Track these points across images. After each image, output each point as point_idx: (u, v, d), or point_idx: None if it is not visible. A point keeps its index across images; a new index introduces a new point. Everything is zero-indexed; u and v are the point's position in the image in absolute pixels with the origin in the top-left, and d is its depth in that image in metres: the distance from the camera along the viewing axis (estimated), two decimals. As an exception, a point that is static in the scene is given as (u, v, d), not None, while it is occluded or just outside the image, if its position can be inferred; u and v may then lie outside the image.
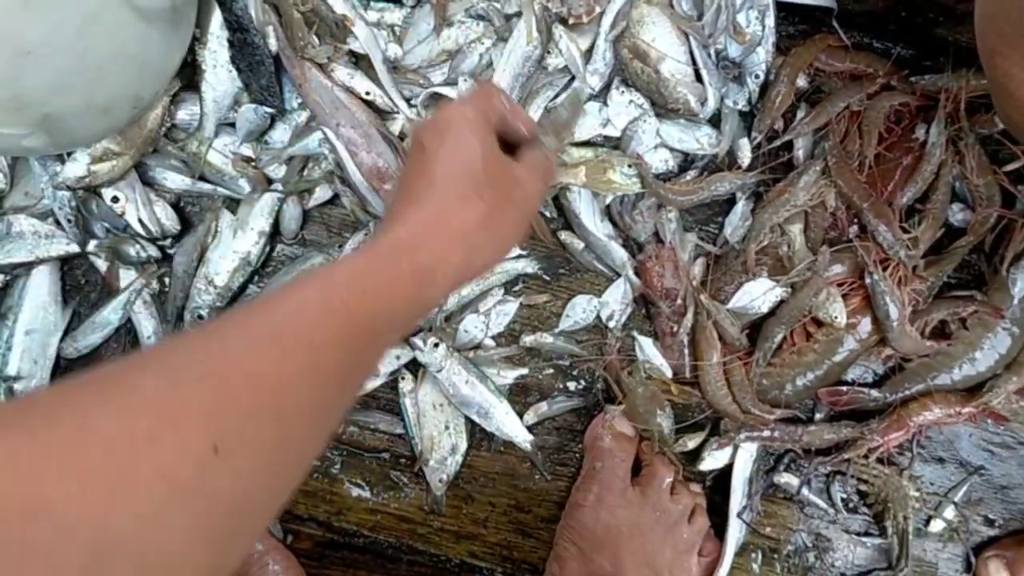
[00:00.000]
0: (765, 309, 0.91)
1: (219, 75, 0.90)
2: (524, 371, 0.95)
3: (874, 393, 0.91)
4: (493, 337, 0.96)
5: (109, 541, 0.38)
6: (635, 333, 0.95)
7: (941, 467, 0.95)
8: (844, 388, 0.92)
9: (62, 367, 0.96)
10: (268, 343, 0.49)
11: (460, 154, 0.63)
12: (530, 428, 0.95)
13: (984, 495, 0.94)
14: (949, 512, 0.93)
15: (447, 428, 0.94)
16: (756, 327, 0.92)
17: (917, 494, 0.92)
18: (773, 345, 0.91)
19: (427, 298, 0.61)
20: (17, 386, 0.93)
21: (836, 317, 0.89)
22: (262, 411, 0.46)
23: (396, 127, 0.93)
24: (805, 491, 0.93)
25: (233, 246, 0.93)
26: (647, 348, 0.94)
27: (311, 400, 0.50)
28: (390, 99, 0.91)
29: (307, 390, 0.49)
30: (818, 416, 0.94)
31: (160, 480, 0.41)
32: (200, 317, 0.93)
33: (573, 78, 0.92)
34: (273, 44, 0.89)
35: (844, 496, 0.94)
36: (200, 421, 0.43)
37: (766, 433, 0.92)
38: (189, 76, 0.91)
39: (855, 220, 0.92)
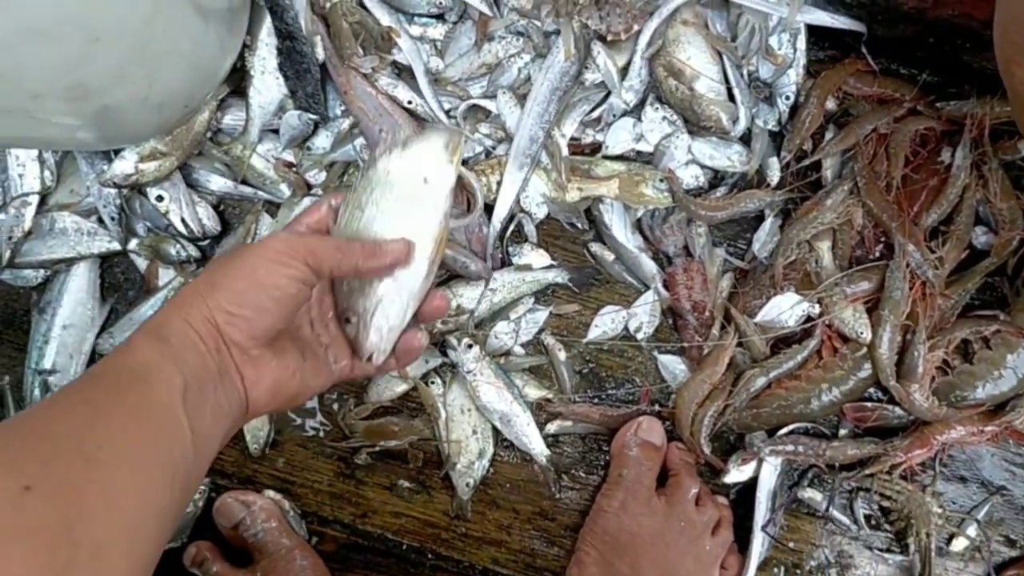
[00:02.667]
0: (792, 323, 0.92)
1: (266, 81, 0.93)
2: (548, 394, 0.96)
3: (899, 410, 0.92)
4: (522, 345, 0.97)
5: None
6: (656, 353, 0.96)
7: (964, 486, 0.95)
8: (869, 404, 0.93)
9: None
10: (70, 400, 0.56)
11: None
12: (557, 436, 0.96)
13: (1006, 515, 0.95)
14: (971, 530, 0.94)
15: (475, 433, 0.95)
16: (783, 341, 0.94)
17: (940, 511, 0.93)
18: (751, 393, 0.93)
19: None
20: (52, 379, 0.95)
21: (862, 333, 0.90)
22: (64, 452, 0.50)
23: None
24: (833, 511, 0.94)
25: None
26: (671, 367, 0.96)
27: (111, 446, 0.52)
28: (431, 108, 0.94)
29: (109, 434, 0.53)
30: (842, 432, 0.95)
31: None
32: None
33: (609, 93, 0.94)
34: (320, 53, 0.92)
35: (867, 512, 0.95)
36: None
37: (790, 447, 0.93)
38: (237, 82, 0.94)
39: (882, 239, 0.94)
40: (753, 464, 0.94)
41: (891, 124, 0.94)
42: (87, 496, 0.48)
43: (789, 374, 0.93)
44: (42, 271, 0.97)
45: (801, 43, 0.94)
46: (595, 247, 0.97)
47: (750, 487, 0.94)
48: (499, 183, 0.93)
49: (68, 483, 0.48)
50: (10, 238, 0.95)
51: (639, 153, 0.96)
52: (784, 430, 0.94)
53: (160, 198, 0.93)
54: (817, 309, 0.92)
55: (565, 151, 0.94)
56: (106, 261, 0.99)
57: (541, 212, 0.96)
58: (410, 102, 0.94)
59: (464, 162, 0.95)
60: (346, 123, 0.95)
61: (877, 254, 0.94)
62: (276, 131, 0.96)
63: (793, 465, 0.95)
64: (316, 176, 0.96)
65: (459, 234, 0.94)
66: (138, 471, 0.53)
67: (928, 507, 0.92)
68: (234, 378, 0.62)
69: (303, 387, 0.68)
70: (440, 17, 0.97)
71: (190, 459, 0.57)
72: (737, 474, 0.94)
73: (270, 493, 0.96)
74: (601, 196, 0.94)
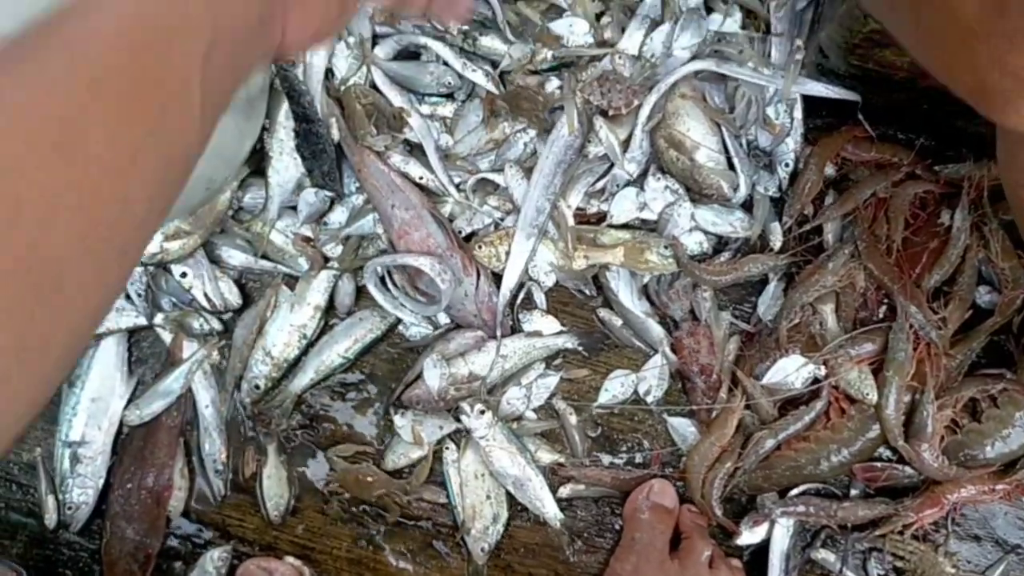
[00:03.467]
0: (799, 385, 0.94)
1: (284, 161, 0.97)
2: (560, 458, 0.98)
3: (909, 470, 0.93)
4: (534, 410, 0.99)
5: None
6: (666, 416, 0.98)
7: (977, 545, 0.95)
8: (879, 464, 0.94)
9: (124, 433, 1.01)
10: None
11: None
12: (570, 499, 0.98)
13: (1021, 574, 0.94)
14: (987, 591, 0.94)
15: (489, 498, 0.97)
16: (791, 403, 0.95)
17: (953, 572, 0.93)
18: (760, 455, 0.94)
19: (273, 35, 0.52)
20: (81, 451, 0.98)
21: (868, 394, 0.91)
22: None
23: (446, 210, 1.00)
24: (847, 571, 0.94)
25: (290, 320, 0.99)
26: (680, 430, 0.98)
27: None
28: (441, 183, 0.98)
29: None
30: (853, 492, 0.96)
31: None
32: (257, 387, 0.98)
33: (612, 164, 0.98)
34: (335, 133, 0.96)
35: (881, 572, 0.95)
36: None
37: (801, 508, 0.94)
38: (257, 162, 0.99)
39: (884, 300, 0.95)
40: (765, 526, 0.95)
41: (890, 188, 0.97)
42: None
43: (798, 435, 0.94)
44: (72, 345, 1.01)
45: (798, 112, 0.97)
46: (603, 313, 1.00)
47: (763, 549, 0.95)
48: (507, 253, 0.97)
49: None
50: (42, 315, 0.99)
51: (644, 221, 0.99)
52: (795, 491, 0.95)
53: (184, 275, 0.97)
54: (823, 371, 0.93)
55: (571, 221, 0.97)
56: (133, 335, 1.02)
57: (550, 280, 0.99)
58: (421, 177, 0.98)
59: (472, 235, 0.99)
60: (360, 199, 0.99)
61: (880, 316, 0.96)
62: (295, 208, 1.00)
63: (805, 526, 0.96)
64: (332, 249, 1.00)
65: (470, 303, 0.97)
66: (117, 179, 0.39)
67: (941, 567, 0.92)
68: (275, 26, 0.51)
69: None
70: (449, 96, 1.02)
71: (193, 143, 0.46)
72: (749, 536, 0.95)
73: (291, 560, 0.98)
74: (607, 264, 0.97)
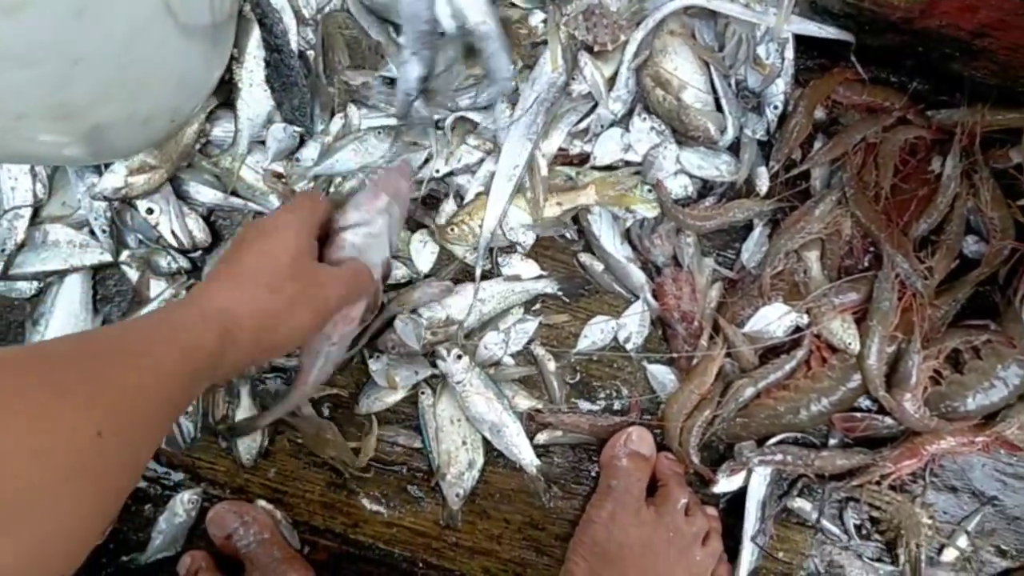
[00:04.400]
0: (781, 333, 0.92)
1: (254, 94, 0.93)
2: (538, 404, 0.96)
3: (888, 420, 0.92)
4: (512, 355, 0.97)
5: (10, 508, 0.46)
6: (646, 363, 0.96)
7: (954, 496, 0.95)
8: (859, 415, 0.93)
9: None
10: (131, 363, 0.59)
11: (273, 250, 0.74)
12: (547, 446, 0.97)
13: (997, 526, 0.94)
14: (962, 541, 0.94)
15: (464, 443, 0.96)
16: (772, 351, 0.94)
17: (930, 522, 0.93)
18: (739, 403, 0.93)
19: (228, 359, 0.68)
20: (46, 391, 0.95)
21: (850, 344, 0.90)
22: (133, 409, 0.56)
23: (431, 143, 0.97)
24: (823, 521, 0.94)
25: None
26: (660, 377, 0.96)
27: (155, 406, 0.59)
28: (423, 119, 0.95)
29: (156, 396, 0.59)
30: (832, 441, 0.95)
31: (62, 451, 0.49)
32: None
33: (596, 104, 0.94)
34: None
35: (857, 522, 0.95)
36: (83, 406, 0.52)
37: (779, 457, 0.93)
38: (225, 94, 0.94)
39: (870, 248, 0.93)
40: (742, 474, 0.94)
41: (880, 133, 0.94)
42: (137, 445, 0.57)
43: (778, 384, 0.93)
44: (35, 283, 0.98)
45: (789, 52, 0.94)
46: (584, 257, 0.97)
47: (740, 497, 0.95)
48: (482, 221, 0.94)
49: (128, 430, 0.55)
50: (3, 250, 0.96)
51: (628, 163, 0.96)
52: (773, 440, 0.94)
53: (150, 211, 0.94)
54: (806, 319, 0.92)
55: (544, 171, 0.94)
56: (98, 273, 0.99)
57: (529, 239, 0.96)
58: (401, 115, 0.95)
59: (450, 173, 0.96)
60: (331, 137, 0.95)
61: (866, 264, 0.94)
62: (264, 143, 0.96)
63: (783, 475, 0.95)
64: (304, 188, 0.97)
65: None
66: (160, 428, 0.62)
67: (918, 518, 0.92)
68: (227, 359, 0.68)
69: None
70: (429, 28, 0.97)
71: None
72: (726, 484, 0.94)
73: (262, 503, 0.97)
74: (583, 205, 0.94)
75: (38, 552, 0.47)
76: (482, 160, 0.97)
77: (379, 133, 0.94)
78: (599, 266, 0.97)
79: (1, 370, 0.51)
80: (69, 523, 0.49)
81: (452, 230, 0.94)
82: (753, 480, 0.94)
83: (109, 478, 0.53)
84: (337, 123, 0.96)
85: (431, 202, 0.98)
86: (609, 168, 0.96)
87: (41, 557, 0.48)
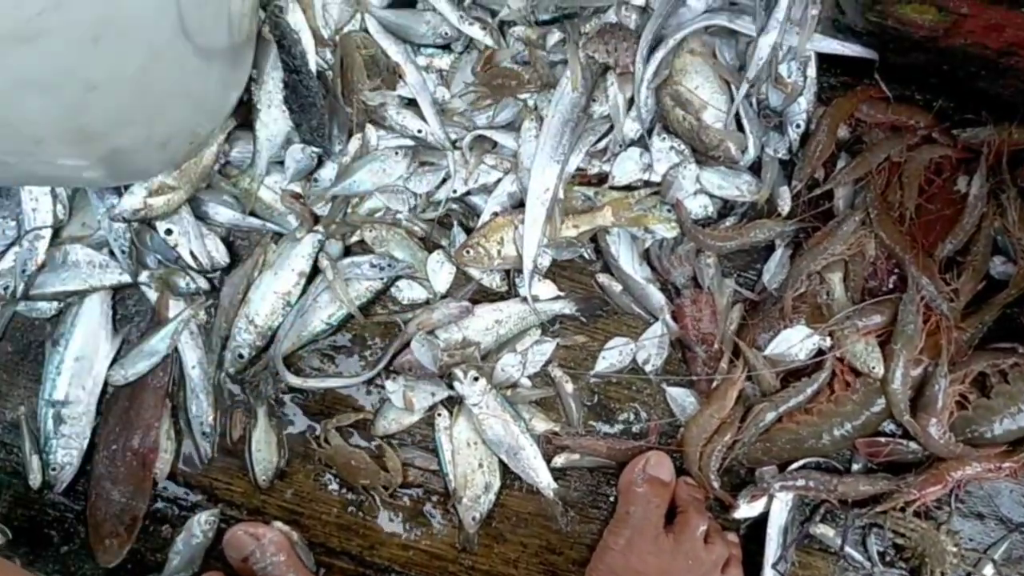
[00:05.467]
0: (803, 356, 0.91)
1: (273, 114, 0.93)
2: (555, 427, 0.95)
3: (913, 445, 0.90)
4: (529, 377, 0.97)
5: None
6: (665, 386, 0.95)
7: (980, 523, 0.93)
8: (883, 439, 0.91)
9: (109, 393, 0.98)
10: None
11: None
12: (564, 469, 0.95)
13: (1025, 553, 0.92)
14: (988, 570, 0.92)
15: (481, 466, 0.95)
16: (793, 374, 0.92)
17: (955, 550, 0.91)
18: (760, 427, 0.91)
19: None
20: (65, 410, 0.96)
21: (874, 367, 0.88)
22: None
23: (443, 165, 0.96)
24: (848, 548, 0.92)
25: (273, 287, 0.96)
26: (679, 400, 0.95)
27: None
28: (438, 138, 0.94)
29: None
30: (855, 467, 0.93)
31: None
32: (240, 356, 0.96)
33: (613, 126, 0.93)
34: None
35: (881, 549, 0.93)
36: None
37: (801, 482, 0.91)
38: (244, 115, 0.94)
39: (895, 270, 0.92)
40: (763, 500, 0.93)
41: (905, 152, 0.93)
42: None
43: (800, 408, 0.92)
44: (56, 303, 0.98)
45: (812, 70, 0.93)
46: (602, 278, 0.96)
47: (761, 523, 0.93)
48: (499, 250, 0.93)
49: None
50: (24, 271, 0.96)
51: (647, 183, 0.95)
52: (795, 465, 0.93)
53: (169, 231, 0.94)
54: (828, 342, 0.90)
55: (561, 193, 0.93)
56: (118, 293, 1.00)
57: (547, 261, 0.95)
58: (420, 131, 0.94)
59: (467, 193, 0.95)
60: (348, 157, 0.95)
61: (890, 286, 0.92)
62: (283, 163, 0.96)
63: (804, 501, 0.93)
64: (323, 208, 0.97)
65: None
66: None
67: (943, 545, 0.90)
68: None
69: None
70: (446, 47, 0.97)
71: None
72: (747, 510, 0.93)
73: (279, 524, 0.97)
74: (600, 226, 0.93)
75: None
76: (499, 180, 0.96)
77: (396, 153, 0.94)
78: (617, 287, 0.96)
79: None
80: None
81: (468, 252, 0.93)
82: (774, 506, 0.92)
83: None
84: (355, 143, 0.96)
85: (448, 223, 0.97)
86: (628, 188, 0.95)
87: None
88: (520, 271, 0.95)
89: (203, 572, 0.96)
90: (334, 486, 0.97)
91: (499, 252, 0.94)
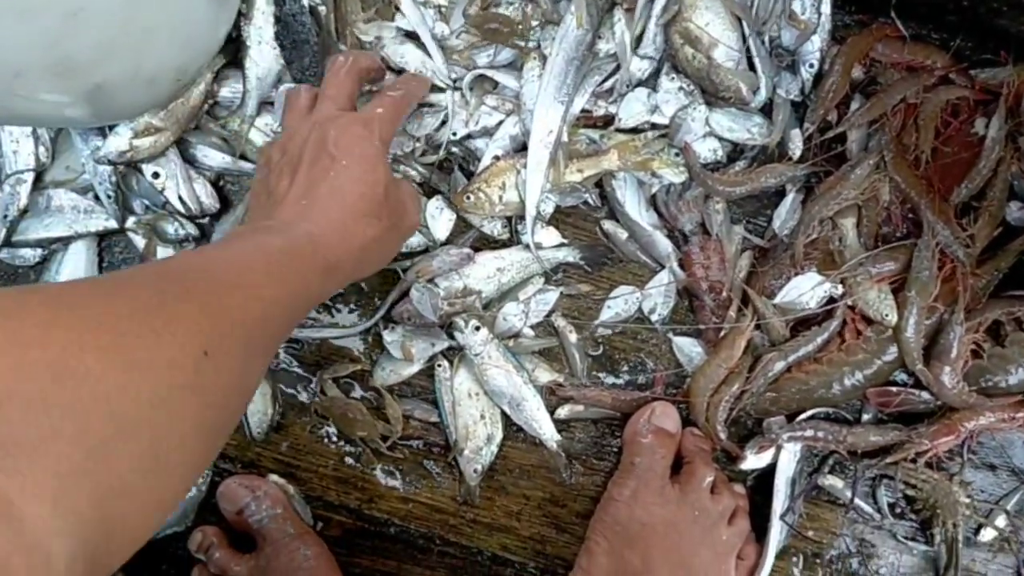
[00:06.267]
0: (813, 304, 0.88)
1: (263, 52, 0.89)
2: (559, 377, 0.93)
3: (925, 395, 0.88)
4: (532, 327, 0.94)
5: (127, 419, 0.45)
6: (671, 335, 0.93)
7: (993, 474, 0.91)
8: (894, 389, 0.89)
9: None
10: (231, 290, 0.59)
11: (367, 177, 0.73)
12: (567, 421, 0.93)
13: (1037, 504, 0.91)
14: (1000, 521, 0.90)
15: (483, 417, 0.92)
16: (804, 323, 0.90)
17: (967, 501, 0.89)
18: (769, 377, 0.89)
19: (327, 293, 0.73)
20: (51, 362, 0.93)
21: (887, 315, 0.86)
22: (234, 331, 0.56)
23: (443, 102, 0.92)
24: (857, 499, 0.90)
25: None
26: (686, 350, 0.92)
27: (262, 333, 0.61)
28: (441, 74, 0.90)
29: (259, 323, 0.60)
30: (865, 417, 0.91)
31: (167, 369, 0.49)
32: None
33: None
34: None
35: (891, 501, 0.91)
36: (191, 329, 0.52)
37: (809, 433, 0.89)
38: (233, 53, 0.90)
39: (909, 215, 0.89)
40: (771, 451, 0.91)
41: (921, 93, 0.89)
42: (243, 368, 0.58)
43: (810, 357, 0.89)
44: (39, 250, 0.94)
45: (826, 7, 0.89)
46: (608, 225, 0.93)
47: (768, 474, 0.91)
48: (501, 196, 0.90)
49: (233, 357, 0.56)
50: (5, 216, 0.92)
51: (654, 126, 0.91)
52: (804, 415, 0.90)
53: (156, 175, 0.90)
54: (840, 290, 0.88)
55: (565, 136, 0.89)
56: (104, 240, 0.96)
57: (550, 207, 0.92)
58: (423, 64, 0.90)
59: (467, 136, 0.92)
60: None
61: (904, 232, 0.89)
62: (273, 104, 0.92)
63: (813, 451, 0.91)
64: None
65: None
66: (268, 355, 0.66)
67: (955, 497, 0.88)
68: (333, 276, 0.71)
69: None
70: (445, -20, 0.93)
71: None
72: (754, 461, 0.91)
73: (275, 478, 0.94)
74: (606, 171, 0.90)
75: (153, 465, 0.47)
76: (501, 122, 0.93)
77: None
78: (623, 234, 0.93)
79: (118, 300, 0.50)
80: (179, 433, 0.49)
81: (468, 198, 0.90)
82: (782, 457, 0.90)
83: (217, 395, 0.53)
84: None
85: (448, 167, 0.94)
86: (634, 131, 0.92)
87: (156, 471, 0.48)
88: (522, 218, 0.92)
89: (196, 526, 0.93)
90: (331, 439, 0.95)
91: (500, 198, 0.90)
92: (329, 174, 0.72)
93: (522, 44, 0.90)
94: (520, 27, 0.89)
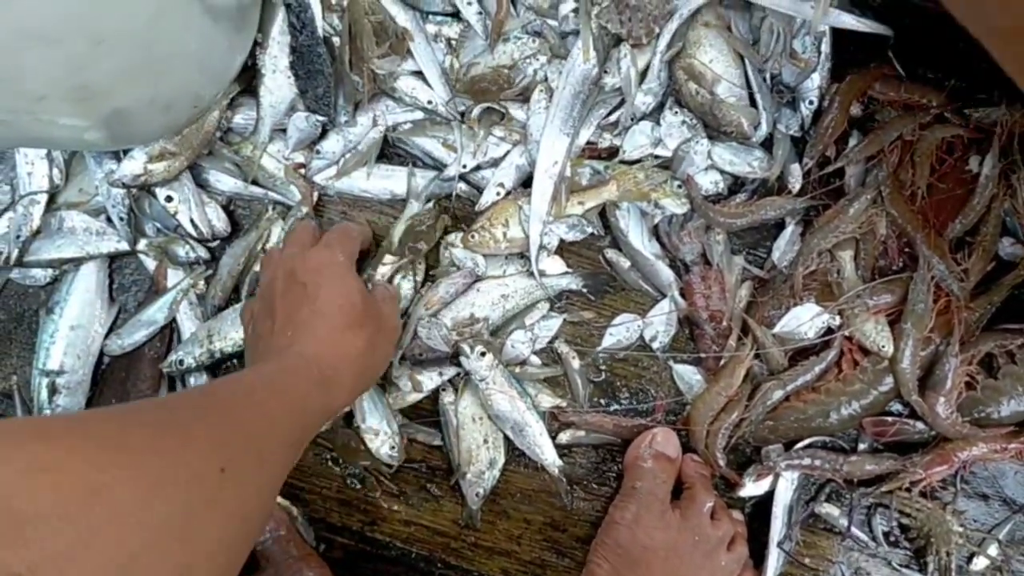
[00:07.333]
0: (811, 335, 0.90)
1: (278, 80, 0.91)
2: (561, 403, 0.94)
3: (920, 425, 0.90)
4: (535, 352, 0.95)
5: (154, 532, 0.47)
6: (672, 363, 0.94)
7: (985, 504, 0.93)
8: (890, 419, 0.91)
9: (105, 363, 0.96)
10: (249, 410, 0.64)
11: (340, 290, 0.78)
12: (569, 446, 0.95)
13: (1029, 534, 0.93)
14: (993, 550, 0.92)
15: (486, 442, 0.94)
16: (802, 353, 0.92)
17: (960, 530, 0.91)
18: (768, 405, 0.91)
19: (331, 404, 0.75)
20: (60, 380, 0.94)
21: (883, 346, 0.88)
22: (247, 445, 0.60)
23: (451, 139, 0.95)
24: (853, 527, 0.92)
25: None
26: (686, 377, 0.94)
27: (273, 446, 0.64)
28: (447, 109, 0.93)
29: (269, 437, 0.64)
30: (861, 446, 0.93)
31: (189, 485, 0.51)
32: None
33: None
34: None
35: (886, 529, 0.93)
36: (207, 446, 0.55)
37: (807, 461, 0.91)
38: (247, 81, 0.92)
39: (906, 249, 0.91)
40: (769, 478, 0.92)
41: (917, 131, 0.92)
42: (259, 482, 0.61)
43: (808, 387, 0.91)
44: (51, 270, 0.96)
45: (826, 46, 0.91)
46: (611, 253, 0.95)
47: (766, 501, 0.93)
48: (505, 233, 0.92)
49: (249, 471, 0.59)
50: (18, 237, 0.94)
51: (657, 158, 0.94)
52: (801, 444, 0.92)
53: (169, 199, 0.92)
54: (838, 321, 0.90)
55: (567, 170, 0.91)
56: (115, 261, 0.97)
57: (555, 240, 0.94)
58: (430, 102, 0.93)
59: (477, 168, 0.94)
60: (354, 130, 0.93)
61: (901, 265, 0.92)
62: (286, 131, 0.94)
63: (810, 479, 0.93)
64: (323, 180, 0.95)
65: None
66: (283, 467, 0.66)
67: (948, 525, 0.90)
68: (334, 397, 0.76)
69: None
70: (455, 15, 0.95)
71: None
72: (753, 488, 0.92)
73: (278, 499, 0.95)
74: (606, 202, 0.92)
75: None
76: (507, 153, 0.95)
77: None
78: (625, 263, 0.95)
79: (132, 425, 0.54)
80: (204, 548, 0.52)
81: (473, 237, 0.92)
82: (780, 484, 0.92)
83: (237, 509, 0.56)
84: (365, 122, 0.94)
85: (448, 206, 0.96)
86: (638, 163, 0.94)
87: None
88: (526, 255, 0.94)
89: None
90: (335, 461, 0.96)
91: (504, 235, 0.92)
92: (305, 300, 0.78)
93: (512, 96, 0.93)
94: (509, 72, 0.92)
